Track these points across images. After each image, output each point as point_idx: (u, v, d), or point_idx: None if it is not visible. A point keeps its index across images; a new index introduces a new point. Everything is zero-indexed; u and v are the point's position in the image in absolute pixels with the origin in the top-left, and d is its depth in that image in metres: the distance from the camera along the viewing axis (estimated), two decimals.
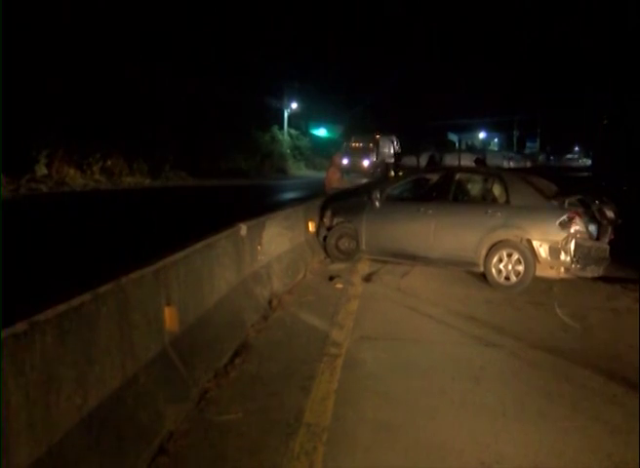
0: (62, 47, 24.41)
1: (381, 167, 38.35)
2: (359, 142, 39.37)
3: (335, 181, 14.42)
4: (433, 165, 30.58)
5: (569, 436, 4.17)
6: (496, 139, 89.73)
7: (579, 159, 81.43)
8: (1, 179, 19.50)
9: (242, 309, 6.29)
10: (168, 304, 4.43)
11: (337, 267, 9.81)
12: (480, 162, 22.37)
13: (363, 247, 10.02)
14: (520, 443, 4.05)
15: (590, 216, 8.66)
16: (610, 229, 8.77)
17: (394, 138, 42.56)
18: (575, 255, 8.23)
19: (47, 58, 23.75)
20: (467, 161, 37.27)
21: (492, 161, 45.49)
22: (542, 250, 8.33)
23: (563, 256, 8.24)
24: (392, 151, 41.80)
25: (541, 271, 8.47)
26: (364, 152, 38.10)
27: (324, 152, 46.74)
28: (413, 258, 9.55)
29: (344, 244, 10.22)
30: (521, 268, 8.47)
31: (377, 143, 38.76)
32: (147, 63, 30.50)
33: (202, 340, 5.02)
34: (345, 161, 36.40)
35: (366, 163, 37.64)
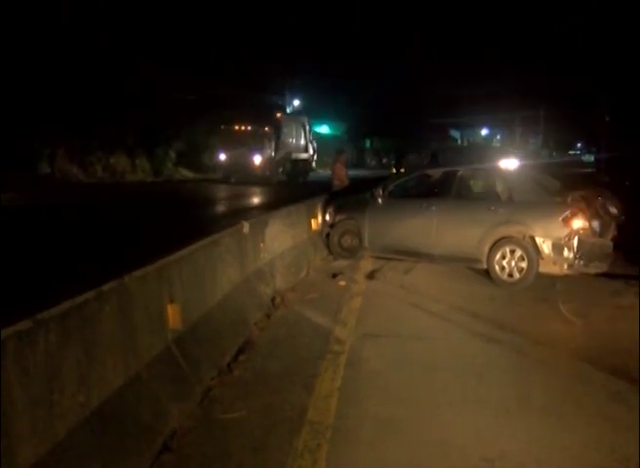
0: (65, 45, 24.41)
1: (286, 165, 27.82)
2: (246, 125, 26.36)
3: (339, 178, 14.45)
4: (436, 162, 25.15)
5: (572, 432, 4.17)
6: (498, 136, 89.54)
7: (582, 155, 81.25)
8: None
9: (245, 307, 6.29)
10: (171, 302, 4.44)
11: (339, 264, 9.81)
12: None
13: (366, 244, 10.01)
14: (523, 439, 4.05)
15: (593, 213, 8.64)
16: (613, 225, 8.75)
17: (306, 121, 31.25)
18: (578, 252, 8.21)
19: (49, 55, 23.75)
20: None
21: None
22: (546, 246, 8.32)
23: (566, 253, 8.23)
24: (304, 141, 30.37)
25: (545, 267, 8.45)
26: (254, 142, 25.51)
27: (326, 149, 46.44)
28: (416, 255, 9.54)
29: (347, 241, 10.23)
30: (524, 265, 8.45)
31: (277, 128, 26.56)
32: (147, 61, 30.48)
33: (205, 338, 5.02)
34: (222, 157, 26.48)
35: (257, 159, 25.42)
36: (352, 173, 21.57)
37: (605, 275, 8.67)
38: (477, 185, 9.73)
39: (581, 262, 8.27)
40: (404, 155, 34.02)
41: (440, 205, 9.32)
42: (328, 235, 10.41)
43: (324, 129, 59.79)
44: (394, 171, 25.10)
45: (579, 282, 8.59)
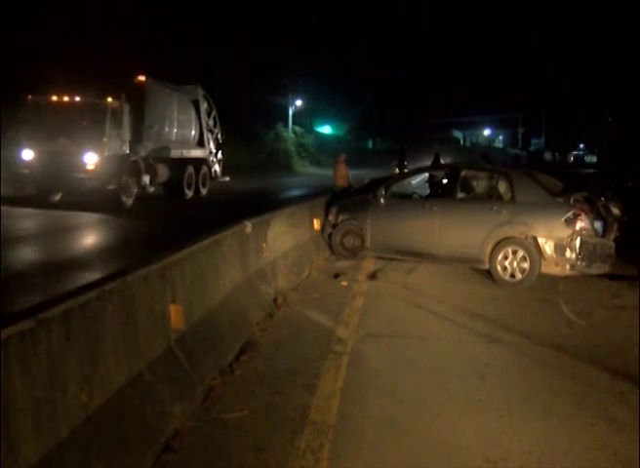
0: (66, 45, 24.45)
1: (160, 170, 17.39)
2: (71, 95, 15.37)
3: (341, 178, 14.44)
4: (438, 162, 22.84)
5: (575, 433, 4.17)
6: (500, 137, 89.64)
7: (584, 156, 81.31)
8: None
9: (247, 307, 6.29)
10: (173, 302, 4.44)
11: (342, 265, 9.80)
12: (485, 158, 22.16)
13: (368, 244, 10.00)
14: (526, 440, 4.04)
15: (596, 213, 8.64)
16: (615, 226, 8.74)
17: (202, 97, 20.68)
18: (580, 252, 8.20)
19: (50, 55, 23.77)
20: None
21: None
22: (548, 247, 8.31)
23: (568, 253, 8.22)
24: (197, 130, 20.28)
25: (547, 268, 8.44)
26: (86, 127, 15.15)
27: (329, 149, 46.47)
28: (418, 256, 9.53)
29: (349, 241, 10.21)
30: (526, 265, 8.45)
31: (136, 103, 16.09)
32: (149, 59, 30.40)
33: (207, 338, 5.03)
34: (27, 155, 15.05)
35: (89, 160, 14.83)
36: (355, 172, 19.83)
37: (607, 276, 8.66)
38: (480, 186, 9.73)
39: (584, 263, 8.26)
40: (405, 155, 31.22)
41: (442, 205, 9.32)
42: (330, 235, 10.40)
43: (326, 129, 59.94)
44: (397, 171, 24.48)
45: (581, 282, 8.59)
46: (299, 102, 49.64)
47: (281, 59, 45.30)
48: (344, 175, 14.58)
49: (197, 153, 20.26)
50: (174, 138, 18.65)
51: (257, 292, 6.79)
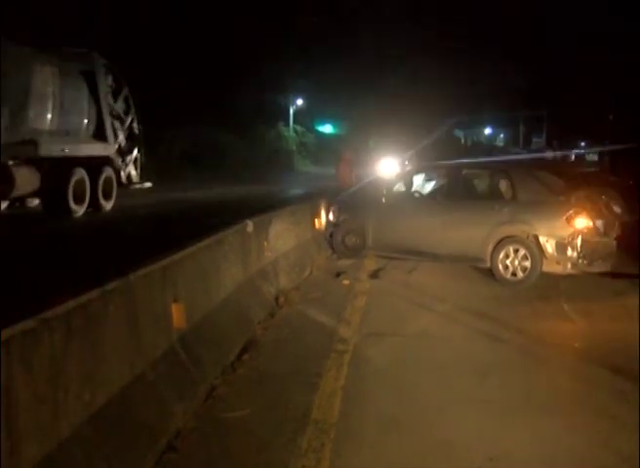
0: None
1: (23, 175, 11.93)
2: None
3: (345, 178, 14.36)
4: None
5: (576, 431, 4.16)
6: (501, 135, 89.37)
7: (585, 154, 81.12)
8: None
9: (249, 306, 6.29)
10: (175, 301, 4.44)
11: (343, 263, 9.80)
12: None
13: (370, 243, 10.00)
14: (527, 438, 4.04)
15: (597, 212, 8.63)
16: (617, 225, 8.74)
17: (101, 67, 14.70)
18: (581, 251, 8.20)
19: None
20: None
21: None
22: (549, 245, 8.31)
23: (570, 252, 8.22)
24: (91, 117, 14.32)
25: (548, 267, 8.44)
26: None
27: (330, 148, 46.33)
28: (419, 254, 9.53)
29: (351, 240, 10.20)
30: (528, 264, 8.44)
31: None
32: (150, 59, 30.33)
33: (209, 337, 5.03)
34: None
35: None
36: None
37: (608, 274, 8.66)
38: (481, 184, 9.72)
39: (585, 262, 8.26)
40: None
41: (444, 204, 9.32)
42: (332, 234, 10.40)
43: (327, 128, 59.79)
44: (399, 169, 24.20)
45: (582, 281, 8.58)
46: (299, 101, 49.57)
47: (282, 58, 45.21)
48: (349, 174, 14.45)
49: (93, 150, 14.16)
50: (47, 127, 12.65)
51: (258, 291, 6.80)
